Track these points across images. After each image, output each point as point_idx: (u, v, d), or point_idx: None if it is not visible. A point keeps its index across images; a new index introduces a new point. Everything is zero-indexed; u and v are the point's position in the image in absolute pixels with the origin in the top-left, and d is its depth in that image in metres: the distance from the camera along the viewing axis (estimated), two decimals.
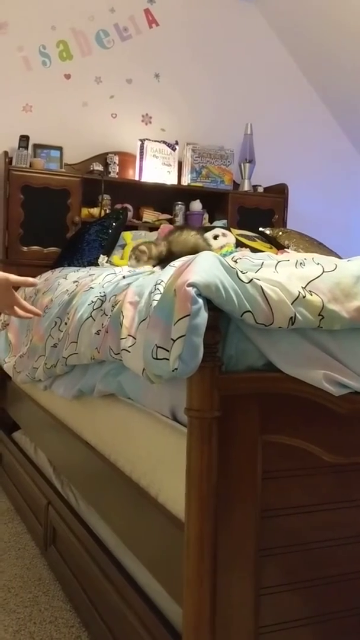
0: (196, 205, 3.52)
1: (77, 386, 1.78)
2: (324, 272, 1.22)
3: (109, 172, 3.37)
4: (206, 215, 3.54)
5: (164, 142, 3.47)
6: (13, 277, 1.33)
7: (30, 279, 1.39)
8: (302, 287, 1.17)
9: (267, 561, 1.19)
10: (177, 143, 3.50)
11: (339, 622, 1.27)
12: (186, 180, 3.49)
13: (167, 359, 1.08)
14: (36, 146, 3.24)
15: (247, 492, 1.16)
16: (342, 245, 3.40)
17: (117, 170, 3.40)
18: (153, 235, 3.24)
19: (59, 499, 2.07)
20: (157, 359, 1.11)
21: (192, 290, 1.04)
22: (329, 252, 3.11)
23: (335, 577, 1.26)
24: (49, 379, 2.04)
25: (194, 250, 1.65)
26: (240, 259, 1.33)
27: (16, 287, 1.38)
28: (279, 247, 3.08)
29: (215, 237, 3.00)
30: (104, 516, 1.66)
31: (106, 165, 3.39)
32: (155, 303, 1.24)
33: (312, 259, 1.31)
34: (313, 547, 1.24)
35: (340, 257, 2.94)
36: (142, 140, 3.42)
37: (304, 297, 1.15)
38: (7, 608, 1.83)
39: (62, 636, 1.70)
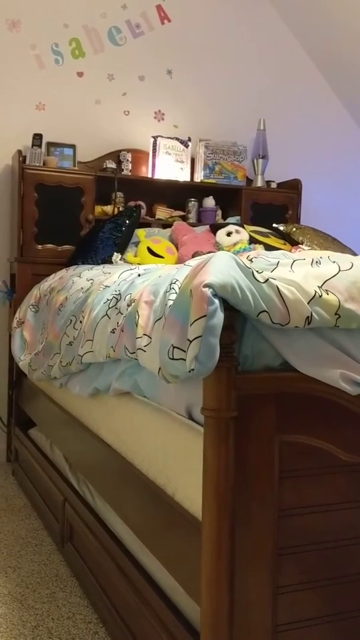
0: (209, 202, 3.51)
1: (93, 384, 1.79)
2: (340, 270, 1.21)
3: (122, 170, 3.37)
4: (219, 212, 3.53)
5: (177, 139, 3.46)
6: None
7: None
8: (319, 286, 1.17)
9: (284, 560, 1.19)
10: (189, 139, 3.49)
11: (357, 621, 1.27)
12: (199, 177, 3.48)
13: (184, 360, 1.08)
14: (49, 144, 3.25)
15: (264, 491, 1.16)
16: (357, 241, 3.38)
17: (130, 168, 3.40)
18: (167, 232, 3.25)
19: (75, 495, 2.08)
20: (173, 359, 1.11)
21: (208, 291, 1.04)
22: (343, 247, 3.09)
23: (353, 576, 1.26)
24: (64, 377, 2.05)
25: None
26: (255, 257, 1.33)
27: None
28: (293, 243, 3.06)
29: (229, 234, 3.00)
30: (121, 514, 1.67)
31: (119, 162, 3.39)
32: (170, 302, 1.24)
33: (328, 257, 1.31)
34: (331, 546, 1.24)
35: (355, 253, 2.94)
36: (155, 137, 3.41)
37: (320, 296, 1.15)
38: (26, 604, 1.85)
39: (79, 632, 1.72)
